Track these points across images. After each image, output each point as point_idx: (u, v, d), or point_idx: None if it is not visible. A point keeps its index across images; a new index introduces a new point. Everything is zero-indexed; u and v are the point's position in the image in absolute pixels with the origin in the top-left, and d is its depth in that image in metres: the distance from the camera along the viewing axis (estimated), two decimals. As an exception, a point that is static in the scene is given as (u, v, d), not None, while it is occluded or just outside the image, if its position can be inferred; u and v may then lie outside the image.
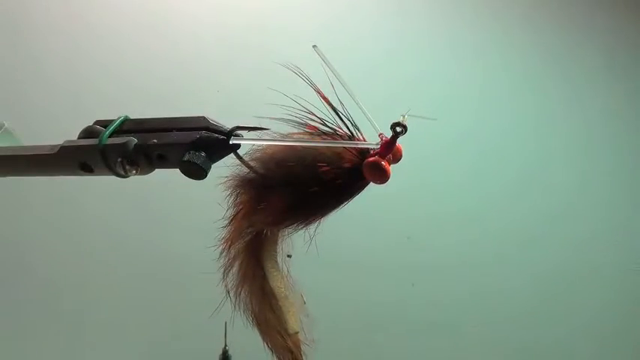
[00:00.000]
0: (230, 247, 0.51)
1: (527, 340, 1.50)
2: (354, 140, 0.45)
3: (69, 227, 1.15)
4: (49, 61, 1.16)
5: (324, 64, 0.46)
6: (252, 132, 0.46)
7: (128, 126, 0.50)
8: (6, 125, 0.57)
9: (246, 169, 0.47)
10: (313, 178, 0.44)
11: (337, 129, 0.46)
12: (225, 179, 0.49)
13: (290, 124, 0.46)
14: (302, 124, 0.46)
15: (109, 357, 1.17)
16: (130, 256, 1.17)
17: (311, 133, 0.46)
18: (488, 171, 1.50)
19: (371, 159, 0.44)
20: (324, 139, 0.45)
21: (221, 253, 0.52)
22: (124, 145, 0.47)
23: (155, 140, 0.47)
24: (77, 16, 1.18)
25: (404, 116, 0.43)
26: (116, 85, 1.18)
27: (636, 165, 1.64)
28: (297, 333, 0.53)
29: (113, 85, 1.18)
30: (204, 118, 0.47)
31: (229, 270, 0.52)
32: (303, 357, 0.53)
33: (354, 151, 0.45)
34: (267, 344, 0.54)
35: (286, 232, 0.51)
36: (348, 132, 0.46)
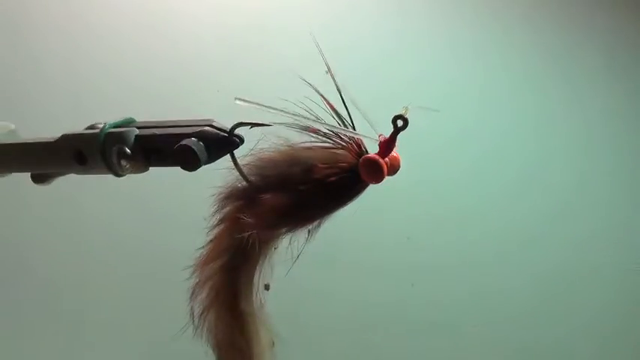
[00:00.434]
0: (204, 266, 0.49)
1: (527, 340, 1.50)
2: (355, 140, 0.45)
3: (68, 227, 1.15)
4: (49, 61, 1.15)
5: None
6: (250, 128, 0.45)
7: (134, 124, 0.50)
8: (12, 128, 0.57)
9: (238, 177, 0.46)
10: (310, 179, 0.44)
11: (340, 133, 0.45)
12: (216, 190, 0.47)
13: (292, 128, 0.45)
14: (304, 128, 0.44)
15: (109, 357, 1.17)
16: (129, 255, 1.17)
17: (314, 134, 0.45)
18: (488, 171, 1.50)
19: (367, 155, 0.43)
20: (325, 140, 0.45)
21: (192, 273, 0.49)
22: (125, 133, 0.47)
23: (156, 132, 0.47)
24: (77, 16, 1.18)
25: (406, 108, 0.42)
26: (116, 85, 1.18)
27: (636, 165, 1.64)
28: None
29: (113, 85, 1.18)
30: (211, 120, 0.47)
31: (197, 294, 0.50)
32: None
33: (352, 152, 0.44)
34: None
35: (276, 245, 0.48)
36: (350, 135, 0.45)
